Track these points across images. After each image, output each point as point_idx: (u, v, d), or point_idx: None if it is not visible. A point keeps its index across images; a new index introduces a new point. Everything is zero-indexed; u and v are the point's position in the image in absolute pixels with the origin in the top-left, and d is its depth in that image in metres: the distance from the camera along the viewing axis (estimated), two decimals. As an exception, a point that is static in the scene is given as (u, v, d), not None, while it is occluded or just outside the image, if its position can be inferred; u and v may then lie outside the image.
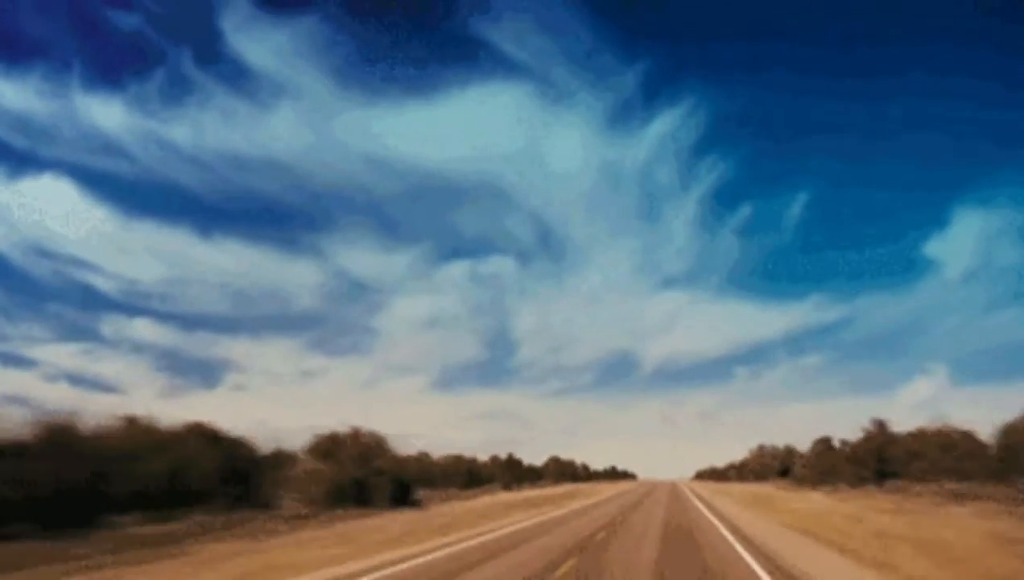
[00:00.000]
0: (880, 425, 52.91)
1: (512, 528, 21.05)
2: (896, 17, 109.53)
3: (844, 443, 60.24)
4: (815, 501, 34.08)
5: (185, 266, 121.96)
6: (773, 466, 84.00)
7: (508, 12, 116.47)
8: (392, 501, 35.86)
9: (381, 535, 18.62)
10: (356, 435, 37.37)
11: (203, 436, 30.51)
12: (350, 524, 23.24)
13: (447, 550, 14.99)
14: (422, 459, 57.49)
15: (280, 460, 33.93)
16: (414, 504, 37.38)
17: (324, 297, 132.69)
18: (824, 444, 62.80)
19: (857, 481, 51.91)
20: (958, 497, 31.18)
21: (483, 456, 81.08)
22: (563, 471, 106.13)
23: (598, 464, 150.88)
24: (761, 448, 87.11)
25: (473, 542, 16.79)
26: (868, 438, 54.04)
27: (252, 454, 33.33)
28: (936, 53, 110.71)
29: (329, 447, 35.41)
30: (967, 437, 43.74)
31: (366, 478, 35.47)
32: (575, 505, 35.47)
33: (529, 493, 53.54)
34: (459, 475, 59.26)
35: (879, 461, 51.71)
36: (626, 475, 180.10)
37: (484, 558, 13.46)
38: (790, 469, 75.61)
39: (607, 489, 70.78)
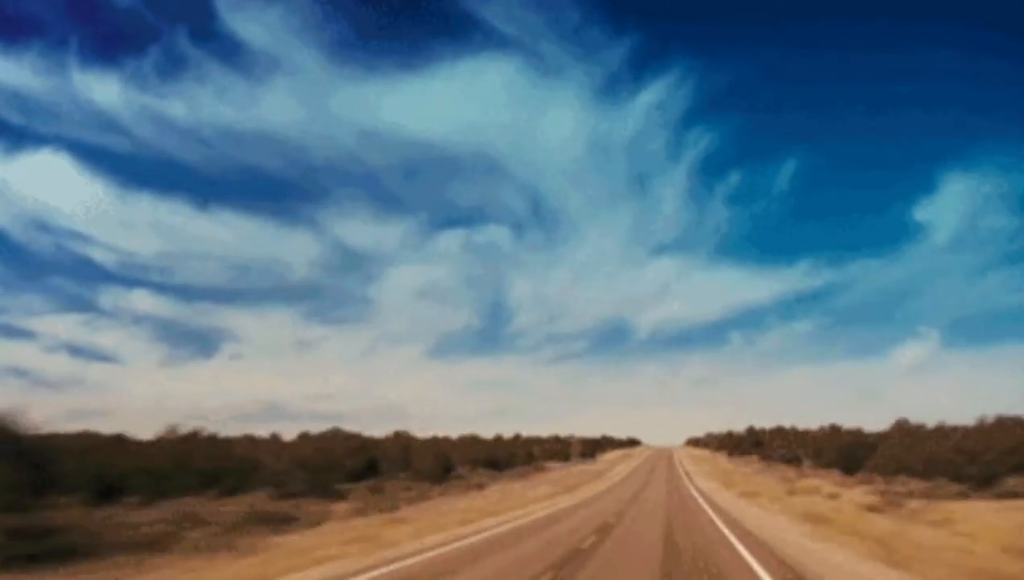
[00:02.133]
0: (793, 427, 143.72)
1: (639, 458, 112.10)
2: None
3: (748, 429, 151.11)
4: (714, 455, 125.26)
5: (182, 239, 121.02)
6: (718, 439, 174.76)
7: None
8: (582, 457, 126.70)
9: (607, 460, 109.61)
10: (573, 437, 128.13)
11: (559, 440, 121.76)
12: (586, 462, 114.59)
13: (638, 459, 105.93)
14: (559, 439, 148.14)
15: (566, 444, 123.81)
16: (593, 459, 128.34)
17: (320, 268, 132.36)
18: (731, 433, 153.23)
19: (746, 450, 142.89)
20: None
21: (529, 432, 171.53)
22: (612, 443, 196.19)
23: (597, 431, 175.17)
24: (709, 433, 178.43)
25: (636, 460, 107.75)
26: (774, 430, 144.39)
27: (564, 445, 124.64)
28: (922, 27, 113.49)
29: (554, 440, 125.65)
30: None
31: (588, 450, 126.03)
32: (647, 454, 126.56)
33: (612, 455, 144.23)
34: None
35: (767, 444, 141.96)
36: (638, 443, 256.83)
37: (647, 459, 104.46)
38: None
39: (642, 451, 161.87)
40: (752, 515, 22.74)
